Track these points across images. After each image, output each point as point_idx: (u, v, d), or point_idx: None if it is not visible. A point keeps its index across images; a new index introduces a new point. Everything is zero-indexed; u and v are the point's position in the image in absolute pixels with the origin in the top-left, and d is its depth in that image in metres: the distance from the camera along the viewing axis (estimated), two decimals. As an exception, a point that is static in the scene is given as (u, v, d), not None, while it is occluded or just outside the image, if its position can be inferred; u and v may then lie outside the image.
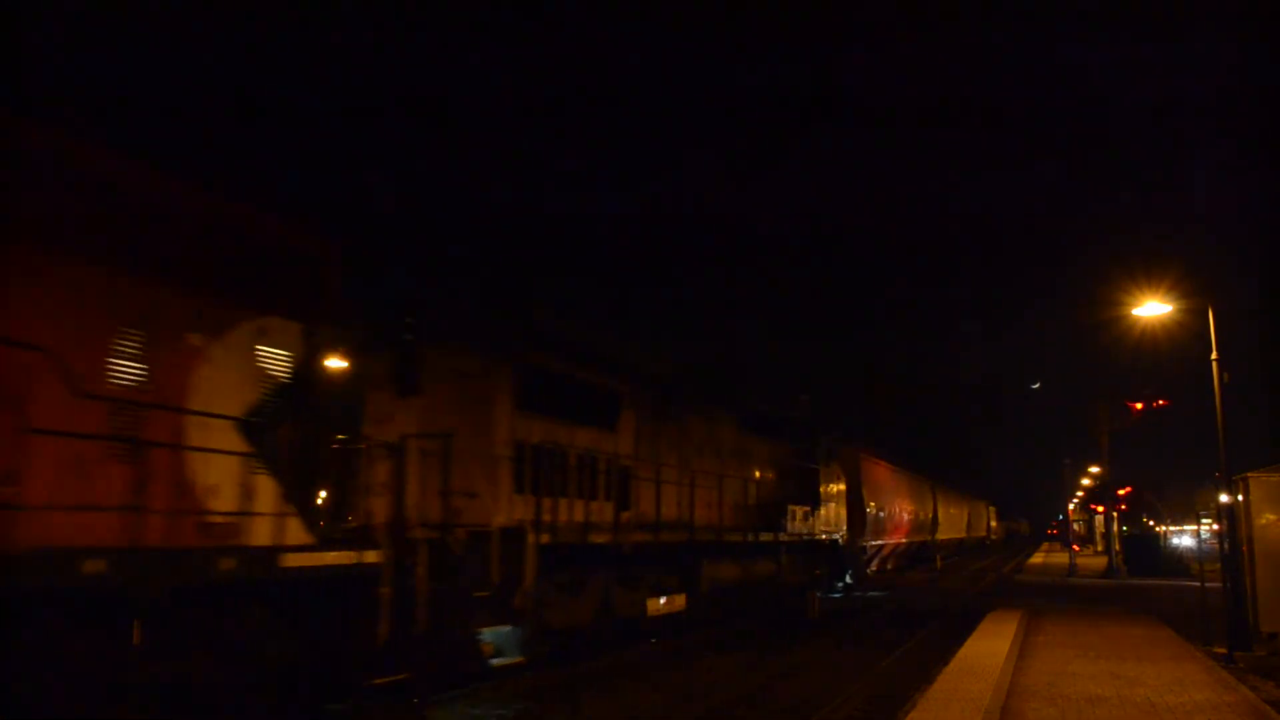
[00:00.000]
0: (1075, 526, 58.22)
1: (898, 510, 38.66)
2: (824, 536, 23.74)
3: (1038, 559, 55.25)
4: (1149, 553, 38.26)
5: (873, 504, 32.58)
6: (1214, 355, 16.03)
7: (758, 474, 20.11)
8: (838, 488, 26.07)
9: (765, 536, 19.54)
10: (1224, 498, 16.15)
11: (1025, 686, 10.62)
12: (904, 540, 40.37)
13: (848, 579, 26.60)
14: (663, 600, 16.02)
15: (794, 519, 21.28)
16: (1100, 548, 49.78)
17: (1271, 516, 15.10)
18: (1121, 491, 38.76)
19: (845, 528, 26.39)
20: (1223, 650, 13.90)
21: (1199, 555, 29.14)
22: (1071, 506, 63.59)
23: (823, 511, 23.75)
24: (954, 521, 57.19)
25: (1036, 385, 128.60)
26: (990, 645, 13.77)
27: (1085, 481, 62.43)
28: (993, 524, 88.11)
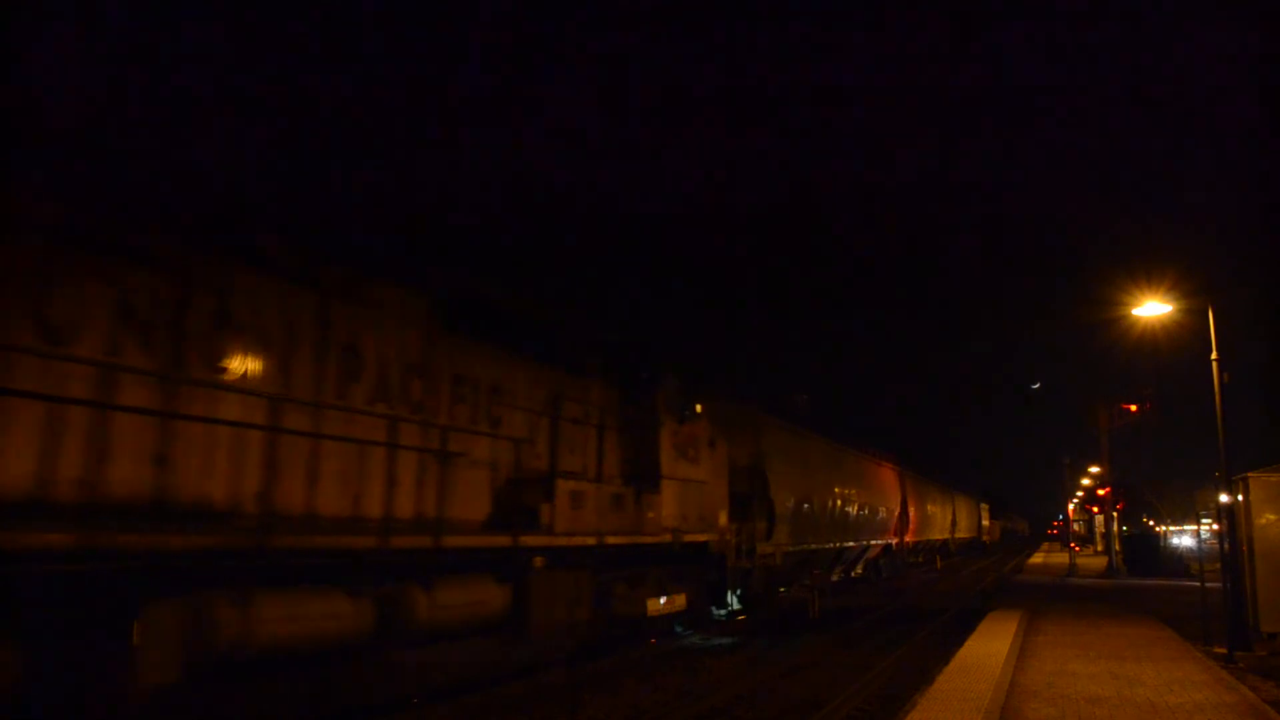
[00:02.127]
0: (1075, 526, 58.29)
1: (836, 504, 28.01)
2: (669, 537, 14.65)
3: (1038, 559, 55.24)
4: (1149, 553, 38.26)
5: (789, 492, 22.58)
6: (1214, 355, 16.05)
7: (490, 423, 11.10)
8: (711, 461, 16.66)
9: (491, 540, 10.53)
10: (1224, 498, 16.16)
11: (1025, 686, 10.62)
12: (852, 544, 29.78)
13: (733, 603, 18.13)
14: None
15: (579, 505, 12.12)
16: (1100, 548, 49.79)
17: (1271, 516, 15.12)
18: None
19: (727, 524, 17.27)
20: (1223, 650, 13.90)
21: (1199, 555, 29.13)
22: (1071, 506, 63.64)
23: (673, 497, 14.75)
24: (933, 521, 47.89)
25: (1036, 385, 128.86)
26: (990, 645, 13.78)
27: (1085, 481, 62.54)
28: (985, 523, 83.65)
